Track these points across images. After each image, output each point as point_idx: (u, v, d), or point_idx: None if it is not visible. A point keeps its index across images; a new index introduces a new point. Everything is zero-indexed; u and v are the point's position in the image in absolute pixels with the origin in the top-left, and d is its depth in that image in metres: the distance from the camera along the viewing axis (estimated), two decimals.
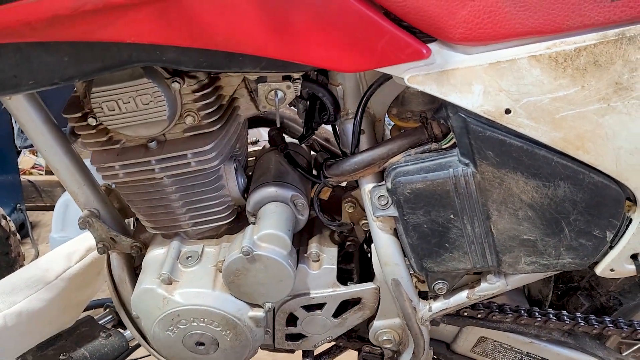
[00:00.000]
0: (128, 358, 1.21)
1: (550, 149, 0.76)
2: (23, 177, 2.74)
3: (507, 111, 0.74)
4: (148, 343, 1.08)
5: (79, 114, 0.86)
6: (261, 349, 1.10)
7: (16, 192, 2.56)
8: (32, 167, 2.96)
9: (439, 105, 0.82)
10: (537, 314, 1.02)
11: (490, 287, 0.91)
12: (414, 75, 0.74)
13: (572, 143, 0.75)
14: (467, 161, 0.79)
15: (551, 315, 1.02)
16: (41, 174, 2.97)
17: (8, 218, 1.42)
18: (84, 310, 1.42)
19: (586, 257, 0.84)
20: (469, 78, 0.73)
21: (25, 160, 2.96)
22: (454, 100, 0.74)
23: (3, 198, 2.41)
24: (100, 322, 1.27)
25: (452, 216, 0.83)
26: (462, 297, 0.94)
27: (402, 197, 0.83)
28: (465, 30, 0.71)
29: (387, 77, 0.83)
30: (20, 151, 2.85)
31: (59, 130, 0.94)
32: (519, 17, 0.71)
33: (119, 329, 1.21)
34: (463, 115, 0.75)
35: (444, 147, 0.82)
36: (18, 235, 1.46)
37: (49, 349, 1.21)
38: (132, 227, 1.12)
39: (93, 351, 1.20)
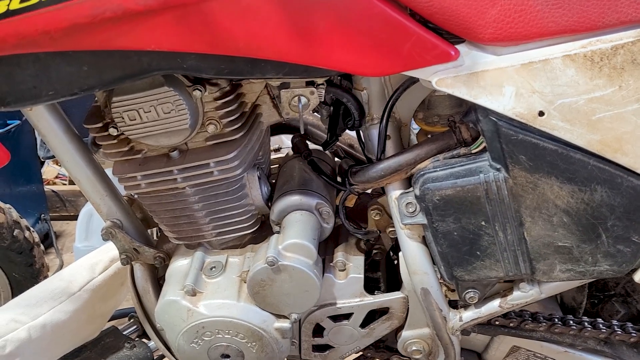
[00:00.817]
0: None
1: (586, 152, 0.73)
2: (47, 187, 2.77)
3: (541, 113, 0.71)
4: (172, 354, 1.07)
5: (100, 124, 0.86)
6: None
7: (40, 202, 2.58)
8: (56, 177, 2.99)
9: (467, 109, 0.80)
10: (571, 322, 0.98)
11: (523, 295, 0.88)
12: (442, 78, 0.71)
13: (610, 145, 0.72)
14: (498, 166, 0.76)
15: (586, 324, 0.98)
16: (65, 184, 3.00)
17: (32, 229, 1.42)
18: (109, 321, 1.42)
19: (624, 263, 0.81)
20: (500, 80, 0.70)
21: (49, 170, 2.99)
22: (484, 103, 0.72)
23: (27, 208, 2.44)
24: (124, 333, 1.27)
25: (483, 223, 0.80)
26: (494, 306, 0.91)
27: (431, 204, 0.80)
28: (495, 30, 0.68)
29: (414, 81, 0.81)
30: (44, 161, 2.89)
31: (80, 140, 0.94)
32: (551, 15, 0.68)
33: (144, 340, 1.21)
34: (494, 119, 0.73)
35: (473, 151, 0.79)
36: (42, 246, 1.46)
37: None
38: (155, 237, 1.12)
39: None
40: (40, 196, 2.57)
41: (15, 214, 1.37)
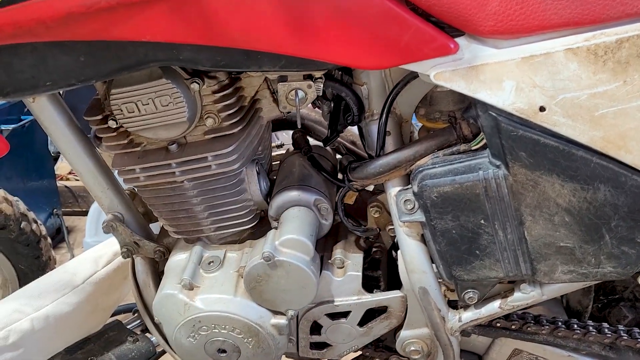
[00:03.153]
0: None
1: (588, 149, 0.71)
2: (60, 183, 2.80)
3: (542, 109, 0.69)
4: (172, 349, 1.07)
5: (99, 117, 0.86)
6: (286, 357, 1.07)
7: (53, 198, 2.61)
8: (69, 173, 3.02)
9: (468, 104, 0.78)
10: (575, 326, 0.96)
11: (524, 297, 0.87)
12: (441, 72, 0.70)
13: (613, 142, 0.70)
14: (498, 163, 0.75)
15: (591, 328, 0.96)
16: (77, 180, 3.03)
17: (39, 222, 1.44)
18: (113, 315, 1.43)
19: (629, 265, 0.78)
20: (500, 74, 0.68)
21: (62, 166, 3.02)
22: (484, 97, 0.70)
23: (40, 203, 2.46)
24: (128, 327, 1.28)
25: (482, 221, 0.78)
26: (494, 307, 0.89)
27: (429, 201, 0.79)
28: (495, 22, 0.67)
29: (414, 76, 0.79)
30: (58, 157, 2.92)
31: (83, 133, 0.94)
32: (554, 8, 0.66)
33: (147, 334, 1.21)
34: (494, 114, 0.71)
35: (473, 148, 0.78)
36: (49, 239, 1.48)
37: (78, 352, 1.22)
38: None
39: (120, 355, 1.21)
40: (52, 191, 2.60)
41: (22, 207, 1.39)
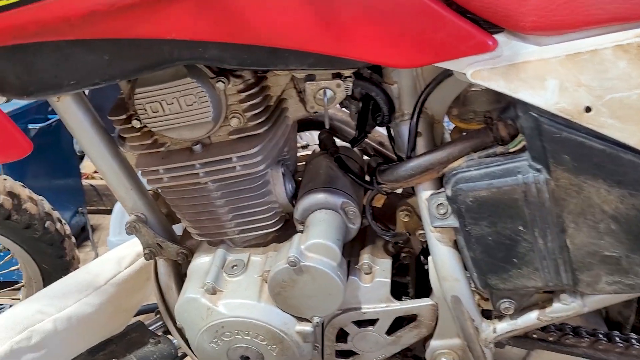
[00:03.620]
0: None
1: (638, 152, 0.67)
2: (85, 181, 2.82)
3: (588, 109, 0.65)
4: (194, 353, 1.05)
5: (123, 116, 0.84)
6: None
7: (78, 196, 2.61)
8: (94, 172, 3.04)
9: (506, 104, 0.74)
10: (617, 338, 0.92)
11: (564, 308, 0.83)
12: (478, 70, 0.66)
13: None
14: (539, 166, 0.71)
15: (634, 341, 0.91)
16: (102, 178, 3.05)
17: (63, 221, 1.43)
18: (136, 315, 1.42)
19: None
20: (543, 72, 0.65)
21: (87, 164, 3.04)
22: (525, 97, 0.66)
23: (65, 202, 2.48)
24: (150, 328, 1.27)
25: (521, 228, 0.74)
26: (531, 318, 0.85)
27: (464, 206, 0.75)
28: (537, 18, 0.63)
29: (447, 74, 0.76)
30: (83, 156, 2.94)
31: (107, 133, 0.93)
32: (600, 2, 0.62)
33: (169, 336, 1.20)
34: (535, 115, 0.67)
35: (511, 150, 0.74)
36: (73, 239, 1.47)
37: (100, 354, 1.21)
38: None
39: (142, 358, 1.20)
40: (78, 190, 2.61)
41: (47, 206, 1.39)
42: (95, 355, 1.20)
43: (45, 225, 1.35)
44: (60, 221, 1.41)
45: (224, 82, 0.78)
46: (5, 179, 1.29)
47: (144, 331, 1.23)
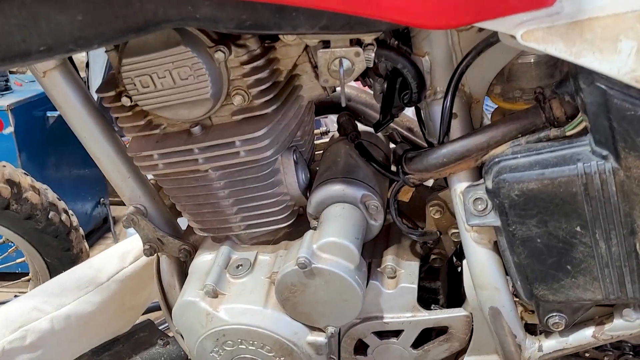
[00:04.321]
0: None
1: None
2: None
3: None
4: None
5: (112, 93, 0.75)
6: None
7: (100, 187, 2.63)
8: None
9: (562, 77, 0.63)
10: None
11: (627, 325, 0.74)
12: (531, 30, 0.55)
13: None
14: (604, 152, 0.61)
15: None
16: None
17: (70, 212, 1.37)
18: (146, 312, 1.37)
19: None
20: (615, 31, 0.54)
21: None
22: (590, 64, 0.55)
23: (87, 193, 2.49)
24: (160, 328, 1.23)
25: (578, 229, 0.65)
26: (585, 336, 0.77)
27: (508, 201, 0.66)
28: None
29: (490, 43, 0.66)
30: None
31: (101, 114, 0.86)
32: None
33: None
34: (603, 86, 0.57)
35: (568, 133, 0.64)
36: (81, 231, 1.41)
37: (105, 354, 1.21)
38: None
39: (149, 359, 1.15)
40: (99, 180, 2.64)
41: (51, 195, 1.33)
42: (100, 355, 1.19)
43: (49, 216, 1.29)
44: (66, 212, 1.35)
45: (224, 52, 0.68)
46: (4, 166, 1.23)
47: (153, 331, 1.20)
